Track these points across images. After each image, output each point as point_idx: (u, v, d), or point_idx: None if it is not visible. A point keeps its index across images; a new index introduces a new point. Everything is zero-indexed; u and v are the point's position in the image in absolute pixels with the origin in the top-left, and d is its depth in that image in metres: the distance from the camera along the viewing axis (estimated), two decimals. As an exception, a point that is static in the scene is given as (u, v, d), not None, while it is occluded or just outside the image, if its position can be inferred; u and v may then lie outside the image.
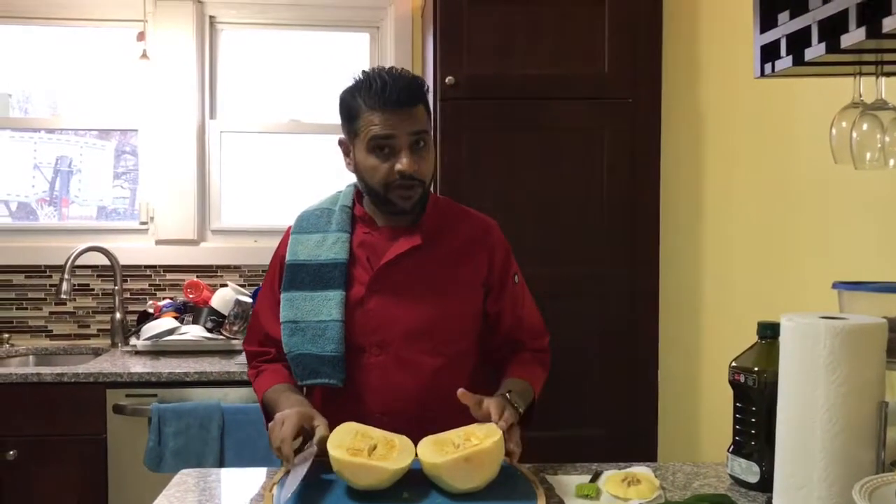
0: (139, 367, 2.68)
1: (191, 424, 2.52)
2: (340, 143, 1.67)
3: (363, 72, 1.62)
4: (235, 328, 2.97)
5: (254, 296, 3.08)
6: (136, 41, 3.14)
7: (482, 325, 1.71)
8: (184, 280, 3.16)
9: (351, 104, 1.59)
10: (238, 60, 3.36)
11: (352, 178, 1.72)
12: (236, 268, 3.25)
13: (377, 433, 1.45)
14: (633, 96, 2.66)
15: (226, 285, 3.12)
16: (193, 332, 2.93)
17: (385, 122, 1.54)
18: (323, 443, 1.41)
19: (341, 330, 1.58)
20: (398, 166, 1.55)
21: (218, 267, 3.24)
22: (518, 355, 1.72)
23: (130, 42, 3.18)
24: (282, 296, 1.65)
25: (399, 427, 1.48)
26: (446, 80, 2.59)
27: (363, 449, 1.38)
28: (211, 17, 3.27)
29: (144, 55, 3.11)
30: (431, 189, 1.72)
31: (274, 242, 3.23)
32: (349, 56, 3.38)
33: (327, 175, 3.38)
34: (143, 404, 2.56)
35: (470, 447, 1.39)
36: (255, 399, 2.56)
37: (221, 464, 2.50)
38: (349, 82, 1.64)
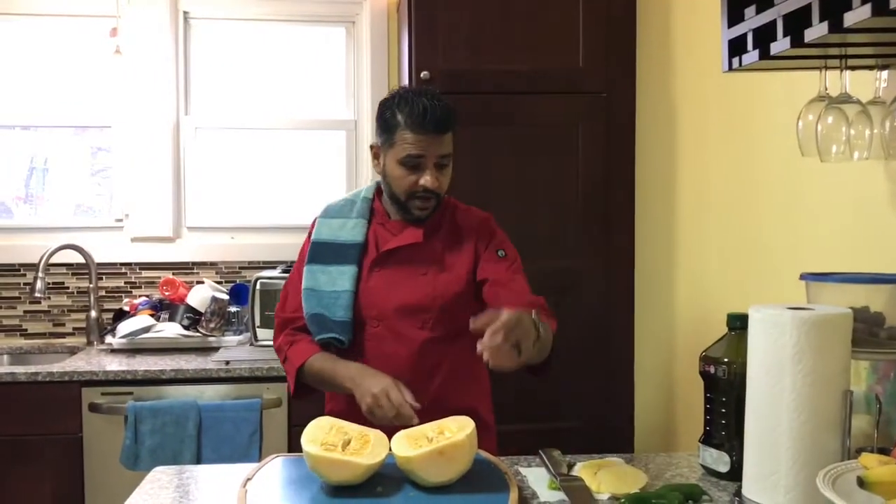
0: (115, 365, 2.67)
1: (167, 422, 2.51)
2: (372, 147, 1.89)
3: (407, 91, 1.82)
4: (212, 325, 2.96)
5: (231, 292, 3.07)
6: (110, 37, 3.12)
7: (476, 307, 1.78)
8: (160, 278, 3.14)
9: (391, 118, 1.79)
10: (213, 56, 3.33)
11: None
12: (213, 265, 3.23)
13: (352, 427, 1.45)
14: (607, 91, 2.68)
15: (202, 282, 3.11)
16: (169, 329, 2.92)
17: (418, 144, 1.76)
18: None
19: (351, 298, 1.82)
20: (422, 181, 1.78)
21: (194, 264, 3.22)
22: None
23: (103, 37, 3.15)
24: (304, 268, 1.88)
25: None
26: (421, 75, 2.59)
27: (337, 444, 1.38)
28: (185, 12, 3.25)
29: (118, 51, 3.09)
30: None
31: (250, 239, 3.26)
32: (324, 51, 3.37)
33: (303, 170, 3.38)
34: (120, 402, 2.55)
35: (443, 440, 1.39)
36: (232, 396, 2.59)
37: (199, 461, 2.49)
38: (389, 95, 1.85)
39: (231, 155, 3.36)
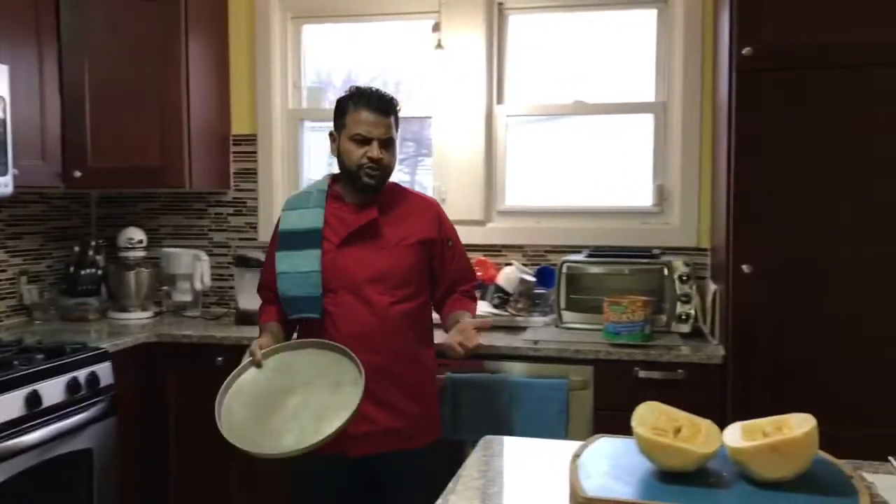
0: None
1: (481, 395, 2.64)
2: (330, 134, 2.31)
3: (359, 87, 2.28)
4: (520, 305, 3.06)
5: (538, 274, 3.15)
6: (432, 32, 3.32)
7: (427, 275, 2.34)
8: (471, 259, 3.29)
9: (344, 106, 2.26)
10: (522, 44, 3.42)
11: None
12: (519, 247, 3.33)
13: (681, 415, 1.43)
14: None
15: (510, 264, 3.21)
16: (481, 307, 3.05)
17: (366, 122, 2.20)
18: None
19: (319, 277, 2.22)
20: (369, 153, 2.20)
21: (502, 246, 3.35)
22: (452, 296, 2.40)
23: (424, 34, 3.37)
24: (276, 255, 2.30)
25: (360, 346, 2.10)
26: (743, 52, 2.46)
27: (668, 430, 1.37)
28: (499, 3, 3.36)
29: (439, 45, 3.28)
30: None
31: (556, 223, 3.30)
32: (633, 34, 3.32)
33: (609, 153, 3.37)
34: (437, 373, 2.72)
35: (779, 436, 1.33)
36: (538, 375, 2.67)
37: (509, 434, 2.59)
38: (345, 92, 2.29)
39: (539, 141, 3.44)
